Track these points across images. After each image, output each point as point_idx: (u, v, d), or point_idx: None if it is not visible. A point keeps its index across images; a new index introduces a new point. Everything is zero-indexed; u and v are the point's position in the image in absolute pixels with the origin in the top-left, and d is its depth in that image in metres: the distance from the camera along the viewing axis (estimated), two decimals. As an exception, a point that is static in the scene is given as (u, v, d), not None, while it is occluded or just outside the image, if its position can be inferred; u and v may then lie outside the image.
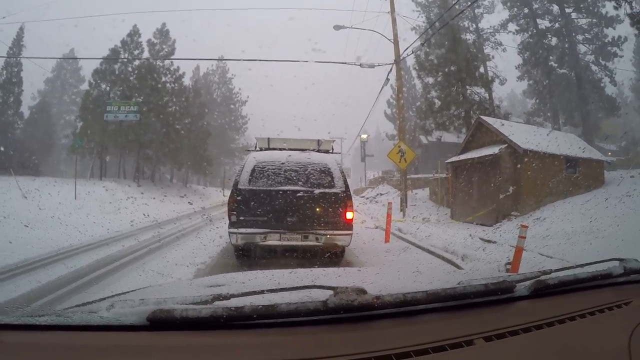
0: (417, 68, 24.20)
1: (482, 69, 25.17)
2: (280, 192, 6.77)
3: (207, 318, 1.06)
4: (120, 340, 1.05)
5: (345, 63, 18.66)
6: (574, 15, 28.58)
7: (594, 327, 1.23)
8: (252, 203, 6.73)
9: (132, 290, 1.80)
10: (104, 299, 1.53)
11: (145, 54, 31.72)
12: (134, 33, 31.24)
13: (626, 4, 17.44)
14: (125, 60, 30.81)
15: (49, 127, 43.75)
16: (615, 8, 19.95)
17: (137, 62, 31.27)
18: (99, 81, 31.01)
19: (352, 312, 1.13)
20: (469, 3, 22.19)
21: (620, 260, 1.55)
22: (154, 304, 1.12)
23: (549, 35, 29.30)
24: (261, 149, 8.14)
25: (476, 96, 23.16)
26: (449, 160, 17.38)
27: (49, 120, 44.74)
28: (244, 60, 51.65)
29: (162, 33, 32.68)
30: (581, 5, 28.10)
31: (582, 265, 1.60)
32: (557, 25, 28.79)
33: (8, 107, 37.27)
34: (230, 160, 51.44)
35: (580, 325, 1.22)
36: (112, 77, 31.06)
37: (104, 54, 30.70)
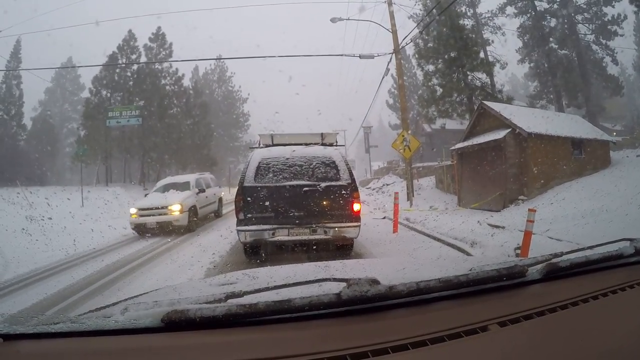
0: (416, 56, 24.03)
1: (482, 54, 24.99)
2: (286, 188, 6.77)
3: (221, 316, 1.07)
4: (136, 343, 1.05)
5: (344, 55, 18.60)
6: (572, -6, 28.32)
7: (608, 309, 1.22)
8: (259, 200, 6.74)
9: (145, 293, 1.81)
10: (118, 302, 1.54)
11: (143, 59, 31.76)
12: (130, 38, 31.29)
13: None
14: (124, 65, 30.88)
15: (52, 136, 43.98)
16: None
17: (135, 67, 31.34)
18: (99, 88, 31.14)
19: (366, 303, 1.14)
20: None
21: (631, 240, 1.54)
22: (167, 305, 1.13)
23: (548, 17, 29.04)
24: (265, 146, 8.13)
25: (477, 81, 22.99)
26: (454, 147, 17.29)
27: (51, 129, 44.97)
28: (242, 58, 51.66)
29: (158, 36, 32.68)
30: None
31: (592, 247, 1.59)
32: (555, 6, 28.52)
33: (11, 120, 37.46)
34: (235, 159, 51.50)
35: (593, 307, 1.21)
36: (111, 83, 31.17)
37: (103, 61, 30.84)
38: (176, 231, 12.19)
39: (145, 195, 14.39)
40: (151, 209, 12.51)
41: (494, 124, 14.65)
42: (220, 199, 17.24)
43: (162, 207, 12.44)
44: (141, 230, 12.37)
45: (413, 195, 16.80)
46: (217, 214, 16.66)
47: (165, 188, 14.22)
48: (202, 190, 14.23)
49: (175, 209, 12.38)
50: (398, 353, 0.96)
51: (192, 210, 13.09)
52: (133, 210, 12.60)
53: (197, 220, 13.57)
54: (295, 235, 6.74)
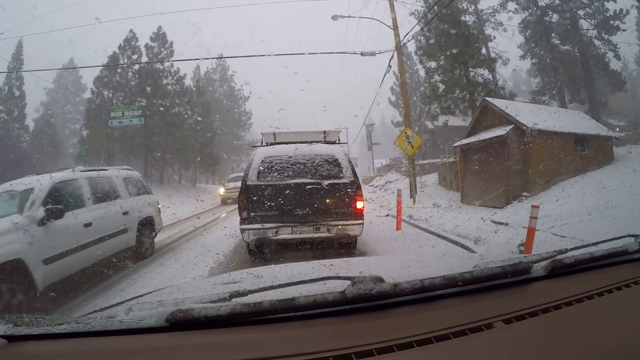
0: (418, 53, 24.00)
1: (484, 50, 24.94)
2: (289, 186, 6.76)
3: (226, 316, 1.07)
4: (140, 342, 1.05)
5: (346, 53, 18.58)
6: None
7: (613, 305, 1.22)
8: (262, 198, 6.72)
9: (149, 292, 1.81)
10: (122, 302, 1.54)
11: (144, 58, 31.80)
12: (131, 38, 31.34)
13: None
14: (125, 65, 30.92)
15: (54, 137, 44.00)
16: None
17: (137, 67, 31.39)
18: (100, 88, 31.22)
19: (371, 301, 1.14)
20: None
21: (635, 236, 1.54)
22: (172, 304, 1.13)
23: (550, 12, 28.94)
24: (268, 144, 8.12)
25: (480, 78, 22.96)
26: (456, 144, 17.27)
27: (54, 130, 44.99)
28: (243, 56, 51.73)
29: (159, 36, 32.68)
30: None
31: (596, 243, 1.59)
32: (557, 1, 28.41)
33: (13, 121, 37.54)
34: (237, 157, 51.53)
35: (598, 303, 1.21)
36: (113, 83, 31.23)
37: (104, 61, 30.89)
38: None
39: None
40: None
41: (497, 121, 14.63)
42: (150, 220, 8.66)
43: None
44: None
45: (416, 193, 16.78)
46: (138, 252, 8.06)
47: None
48: (58, 215, 5.60)
49: None
50: (403, 351, 0.95)
51: None
52: None
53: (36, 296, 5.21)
54: (298, 234, 6.73)
